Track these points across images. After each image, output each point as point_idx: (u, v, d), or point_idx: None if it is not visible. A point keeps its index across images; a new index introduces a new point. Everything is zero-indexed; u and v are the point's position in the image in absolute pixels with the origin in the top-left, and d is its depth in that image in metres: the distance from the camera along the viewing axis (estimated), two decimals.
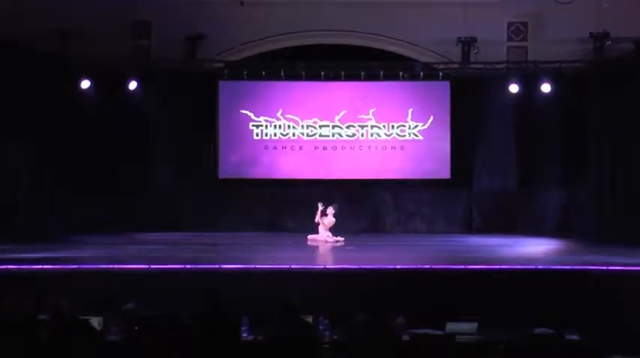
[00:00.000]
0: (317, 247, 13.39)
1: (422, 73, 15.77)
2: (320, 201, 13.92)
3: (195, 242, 13.46)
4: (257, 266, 9.55)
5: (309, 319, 7.09)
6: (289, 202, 16.12)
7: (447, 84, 16.05)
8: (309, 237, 14.10)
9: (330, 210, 14.05)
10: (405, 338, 7.02)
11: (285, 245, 13.36)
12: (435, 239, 14.68)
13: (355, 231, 15.52)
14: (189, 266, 9.50)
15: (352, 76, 15.91)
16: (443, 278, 9.33)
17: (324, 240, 13.93)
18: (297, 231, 15.00)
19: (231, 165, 16.35)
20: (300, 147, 16.38)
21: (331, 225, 14.16)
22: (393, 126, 16.43)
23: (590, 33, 15.11)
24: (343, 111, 16.32)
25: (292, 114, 16.34)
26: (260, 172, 16.36)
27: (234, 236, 14.69)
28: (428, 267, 9.57)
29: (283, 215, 16.25)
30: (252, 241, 13.82)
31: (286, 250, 12.62)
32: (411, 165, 16.36)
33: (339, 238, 14.00)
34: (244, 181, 16.28)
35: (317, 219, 13.89)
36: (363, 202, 16.45)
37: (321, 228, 14.11)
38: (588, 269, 9.57)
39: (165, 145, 15.98)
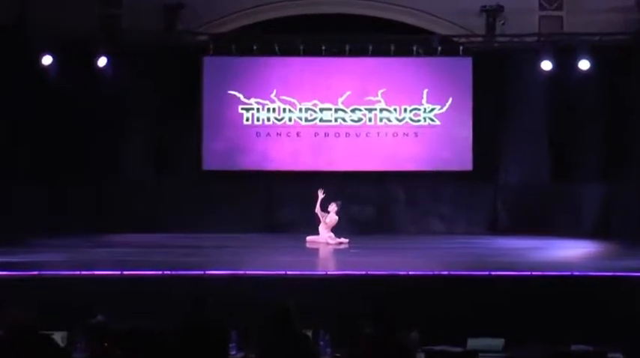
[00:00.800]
0: (317, 250, 13.56)
1: (439, 48, 15.77)
2: (321, 189, 14.20)
3: (175, 244, 13.57)
4: (247, 272, 9.66)
5: (309, 333, 7.00)
6: (284, 198, 16.36)
7: (468, 60, 16.14)
8: (308, 238, 14.25)
9: (333, 208, 14.20)
10: (420, 356, 7.00)
11: (280, 247, 13.50)
12: (455, 241, 14.77)
13: (362, 232, 15.64)
14: (167, 272, 9.60)
15: (359, 51, 15.95)
16: (464, 286, 9.39)
17: (326, 241, 14.11)
18: (293, 232, 15.20)
19: (217, 154, 16.47)
20: (298, 134, 16.54)
21: (333, 224, 14.29)
22: (405, 110, 16.55)
23: (637, 0, 15.25)
24: (348, 92, 16.44)
25: (289, 96, 16.43)
26: (250, 163, 16.48)
27: (221, 238, 14.73)
28: (446, 273, 9.69)
29: (277, 213, 16.45)
30: (242, 243, 14.03)
31: (281, 253, 12.69)
32: (427, 155, 16.49)
33: (342, 240, 14.22)
34: (232, 173, 16.37)
35: (317, 208, 14.07)
36: (371, 198, 16.60)
37: (321, 228, 14.27)
38: (633, 276, 9.57)
39: (141, 132, 16.15)
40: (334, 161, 16.52)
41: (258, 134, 16.49)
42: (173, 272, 9.60)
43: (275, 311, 6.31)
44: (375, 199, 16.65)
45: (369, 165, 16.59)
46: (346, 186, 15.94)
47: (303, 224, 14.90)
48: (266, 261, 11.70)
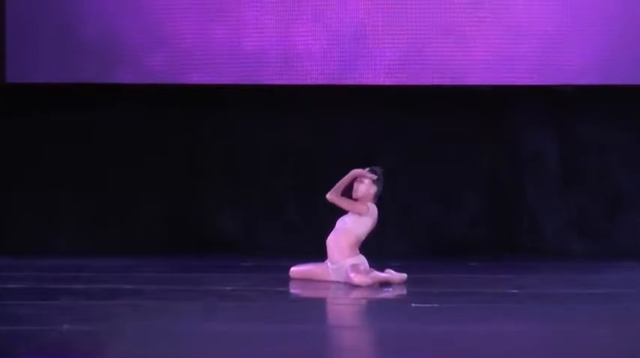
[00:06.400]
0: (321, 302, 8.36)
1: None
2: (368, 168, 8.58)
3: None
4: None
5: None
6: (232, 164, 11.13)
7: None
8: (295, 270, 8.86)
9: (367, 183, 8.77)
10: None
11: (220, 294, 7.96)
12: None
13: (443, 254, 10.92)
14: None
15: None
16: None
17: (345, 277, 8.33)
18: (255, 253, 10.43)
19: (43, 46, 11.14)
20: None
21: (372, 224, 8.62)
22: None
23: None
24: None
25: None
26: (132, 69, 10.90)
27: (53, 270, 9.11)
28: None
29: (212, 203, 11.12)
30: (113, 284, 8.57)
31: (221, 313, 7.29)
32: (614, 51, 10.49)
33: (390, 274, 8.46)
34: (82, 93, 10.79)
35: (335, 194, 8.72)
36: (474, 162, 10.89)
37: (334, 241, 8.38)
38: None
39: None
40: (367, 65, 10.80)
41: None
42: None
43: None
44: (477, 171, 10.88)
45: (457, 74, 10.75)
46: (396, 134, 10.71)
47: (279, 230, 10.77)
48: (178, 337, 6.01)
